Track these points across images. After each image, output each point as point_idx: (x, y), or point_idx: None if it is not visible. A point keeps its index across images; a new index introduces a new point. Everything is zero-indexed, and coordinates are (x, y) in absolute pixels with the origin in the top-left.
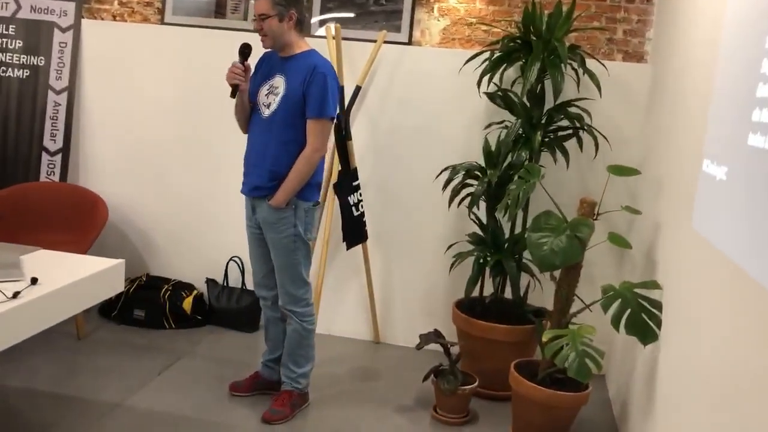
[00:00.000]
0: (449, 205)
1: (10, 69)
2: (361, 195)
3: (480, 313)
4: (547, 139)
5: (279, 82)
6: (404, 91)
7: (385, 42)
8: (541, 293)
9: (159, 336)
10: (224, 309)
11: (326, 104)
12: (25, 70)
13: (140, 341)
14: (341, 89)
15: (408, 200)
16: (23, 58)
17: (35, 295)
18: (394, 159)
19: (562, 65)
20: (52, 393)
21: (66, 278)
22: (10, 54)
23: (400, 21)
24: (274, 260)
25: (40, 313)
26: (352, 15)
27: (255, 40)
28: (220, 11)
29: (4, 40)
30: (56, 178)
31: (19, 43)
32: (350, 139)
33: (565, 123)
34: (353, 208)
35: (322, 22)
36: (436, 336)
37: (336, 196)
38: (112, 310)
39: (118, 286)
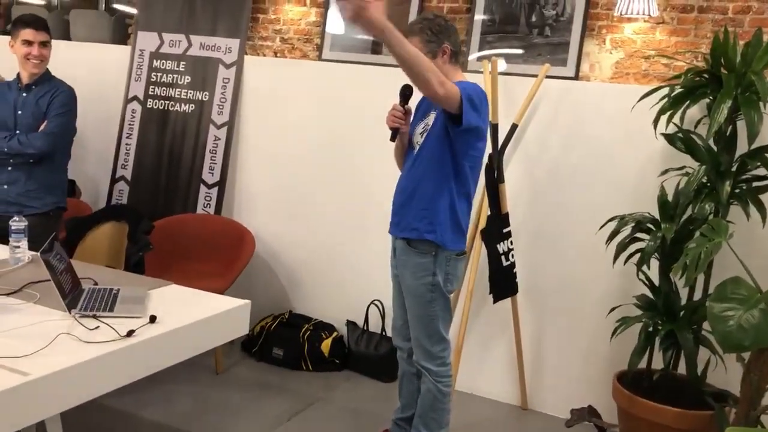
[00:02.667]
0: (614, 261)
1: (177, 104)
2: (512, 243)
3: (646, 391)
4: (737, 190)
5: (431, 118)
6: (567, 130)
7: (548, 77)
8: (725, 373)
9: (295, 377)
10: (363, 354)
11: (465, 88)
12: (190, 105)
13: (276, 381)
14: (494, 126)
15: (566, 252)
16: (190, 93)
17: (151, 334)
18: (553, 204)
19: (761, 103)
20: (180, 430)
21: (186, 318)
22: (179, 89)
23: (567, 54)
24: (408, 310)
25: (154, 353)
26: (514, 51)
27: None
28: (376, 48)
29: (175, 75)
30: (212, 210)
31: (188, 78)
32: (502, 182)
33: (761, 172)
34: (503, 257)
35: (481, 59)
36: (590, 414)
37: (483, 244)
38: (253, 346)
39: (242, 329)
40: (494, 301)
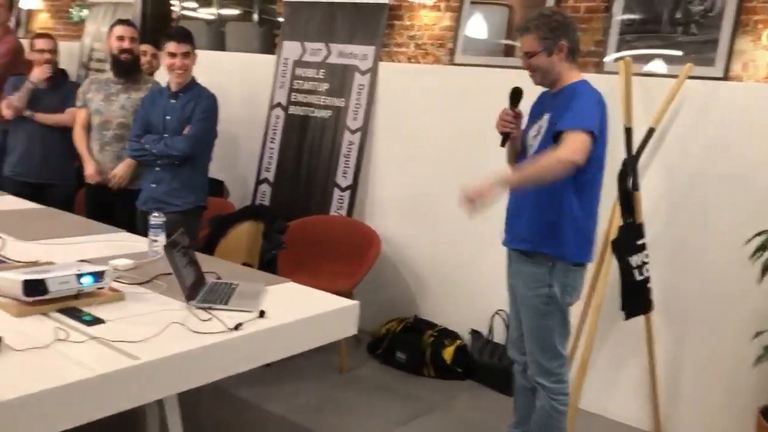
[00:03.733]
0: (760, 280)
1: (316, 110)
2: (647, 256)
3: None
4: None
5: (544, 120)
6: (713, 135)
7: (690, 77)
8: None
9: (416, 383)
10: (486, 365)
11: (582, 115)
12: (328, 111)
13: (397, 385)
14: (628, 130)
15: (708, 267)
16: (327, 99)
17: (257, 328)
18: (694, 215)
19: None
20: (298, 425)
21: (294, 315)
22: (318, 96)
23: (714, 53)
24: (523, 322)
25: (258, 347)
26: (655, 51)
27: None
28: (509, 50)
29: (315, 83)
30: (344, 212)
31: (326, 86)
32: (637, 190)
33: None
34: (635, 271)
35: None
36: None
37: (615, 256)
38: (378, 348)
39: (350, 329)
40: (626, 318)
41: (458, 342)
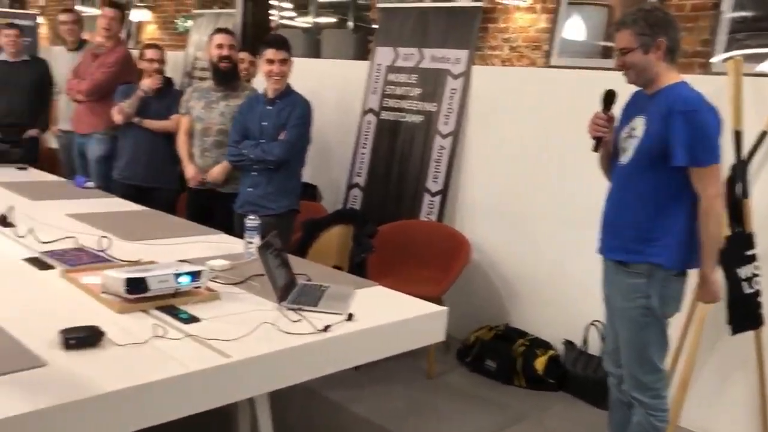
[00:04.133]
0: None
1: (408, 115)
2: (757, 268)
3: None
4: None
5: (638, 123)
6: None
7: None
8: None
9: (506, 392)
10: (581, 377)
11: (701, 147)
12: (419, 116)
13: (486, 393)
14: (738, 134)
15: None
16: (419, 104)
17: (345, 330)
18: None
19: None
20: (385, 428)
21: (382, 319)
22: (410, 101)
23: None
24: (620, 334)
25: (347, 350)
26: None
27: None
28: (607, 51)
29: (407, 88)
30: (434, 217)
31: (418, 90)
32: (747, 197)
33: None
34: (744, 283)
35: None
36: None
37: (721, 267)
38: (467, 355)
39: (438, 335)
40: (732, 333)
41: (551, 352)
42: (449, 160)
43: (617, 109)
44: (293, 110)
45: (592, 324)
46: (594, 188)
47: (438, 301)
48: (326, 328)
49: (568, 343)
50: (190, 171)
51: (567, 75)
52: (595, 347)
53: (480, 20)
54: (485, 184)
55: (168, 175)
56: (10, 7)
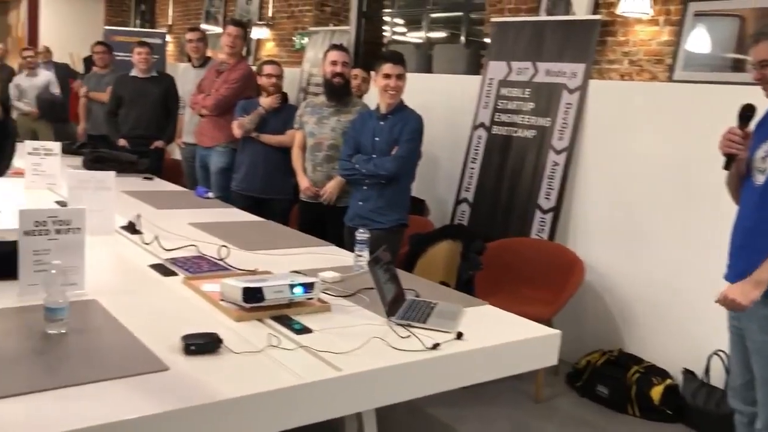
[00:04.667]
0: None
1: (520, 129)
2: None
3: None
4: None
5: None
6: None
7: None
8: None
9: (619, 420)
10: (701, 410)
11: None
12: (532, 131)
13: (597, 421)
14: None
15: None
16: (532, 119)
17: (454, 350)
18: None
19: None
20: None
21: (492, 339)
22: (522, 115)
23: None
24: (756, 370)
25: (456, 369)
26: None
27: None
28: (738, 64)
29: (520, 102)
30: (545, 235)
31: (531, 105)
32: None
33: None
34: None
35: None
36: None
37: None
38: (577, 380)
39: (550, 359)
40: None
41: (668, 381)
42: (563, 177)
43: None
44: (405, 125)
45: (716, 354)
46: (718, 208)
47: (548, 322)
48: (435, 346)
49: (688, 373)
50: (303, 183)
51: (692, 90)
52: (718, 379)
53: (598, 33)
54: (600, 202)
55: (283, 187)
56: (141, 26)
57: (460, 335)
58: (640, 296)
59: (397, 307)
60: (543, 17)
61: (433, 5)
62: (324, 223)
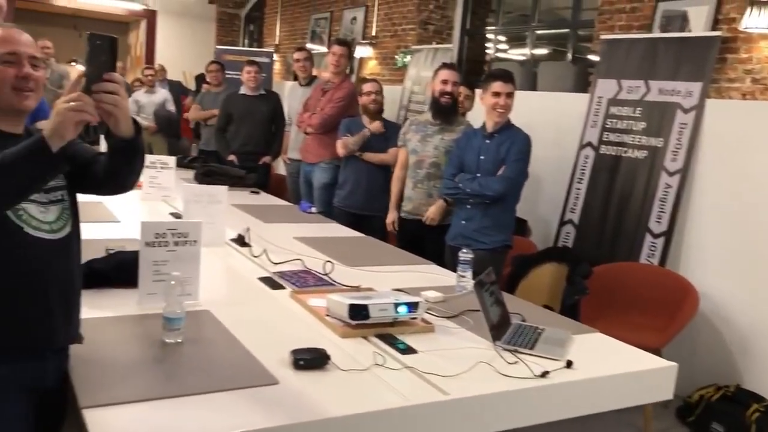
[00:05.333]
0: None
1: (630, 150)
2: None
3: None
4: None
5: None
6: None
7: None
8: None
9: None
10: None
11: None
12: (643, 151)
13: None
14: None
15: None
16: (644, 139)
17: (565, 378)
18: None
19: None
20: None
21: (604, 369)
22: (633, 135)
23: None
24: None
25: (566, 399)
26: None
27: None
28: None
29: (630, 122)
30: (656, 261)
31: (643, 124)
32: None
33: None
34: None
35: None
36: None
37: None
38: (689, 414)
39: (665, 393)
40: None
41: None
42: (676, 200)
43: None
44: (513, 144)
45: None
46: None
47: (657, 352)
48: (545, 374)
49: None
50: (390, 216)
51: None
52: None
53: (717, 50)
54: (717, 227)
55: (384, 204)
56: (249, 46)
57: (569, 363)
58: (760, 328)
59: (503, 331)
60: (657, 34)
61: (538, 22)
62: (422, 240)
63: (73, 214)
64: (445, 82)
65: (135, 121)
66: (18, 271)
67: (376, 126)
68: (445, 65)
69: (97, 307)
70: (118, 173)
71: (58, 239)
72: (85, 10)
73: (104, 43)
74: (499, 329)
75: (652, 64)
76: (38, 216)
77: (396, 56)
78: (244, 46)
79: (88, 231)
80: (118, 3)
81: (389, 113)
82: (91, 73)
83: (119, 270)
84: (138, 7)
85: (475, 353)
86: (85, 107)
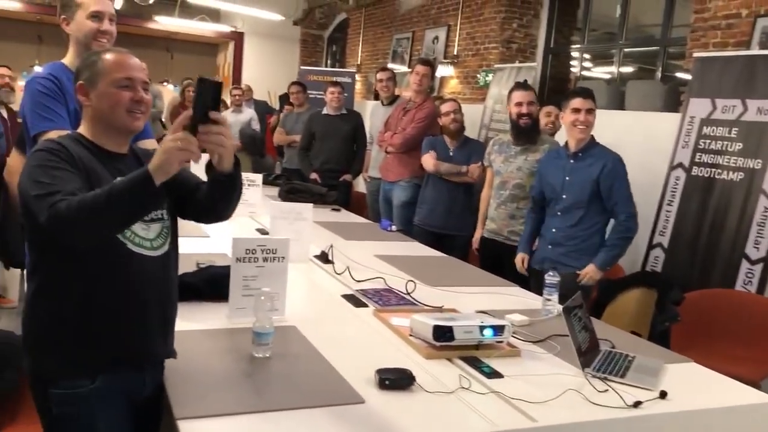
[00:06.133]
0: None
1: (725, 171)
2: None
3: None
4: None
5: None
6: None
7: None
8: None
9: None
10: None
11: None
12: (739, 173)
13: None
14: None
15: None
16: (740, 160)
17: (659, 410)
18: None
19: None
20: None
21: (701, 402)
22: (728, 156)
23: None
24: None
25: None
26: None
27: None
28: None
29: (725, 142)
30: (753, 288)
31: (739, 145)
32: None
33: None
34: None
35: None
36: None
37: None
38: None
39: (766, 429)
40: None
41: None
42: None
43: None
44: (612, 172)
45: None
46: None
47: (756, 385)
48: (637, 404)
49: None
50: (477, 234)
51: None
52: None
53: None
54: None
55: (464, 223)
56: (331, 66)
57: (663, 394)
58: None
59: (592, 358)
60: (756, 51)
61: (626, 40)
62: (504, 261)
63: (172, 233)
64: (519, 104)
65: (235, 157)
66: (120, 286)
67: (473, 171)
68: (518, 85)
69: (189, 320)
70: (216, 204)
71: (158, 256)
72: (177, 33)
73: (211, 86)
74: (587, 356)
75: (750, 83)
76: (140, 233)
77: (478, 75)
78: (326, 66)
79: (179, 245)
80: (209, 26)
81: (471, 132)
82: (198, 113)
83: (210, 284)
84: (227, 29)
85: (564, 380)
86: (190, 146)
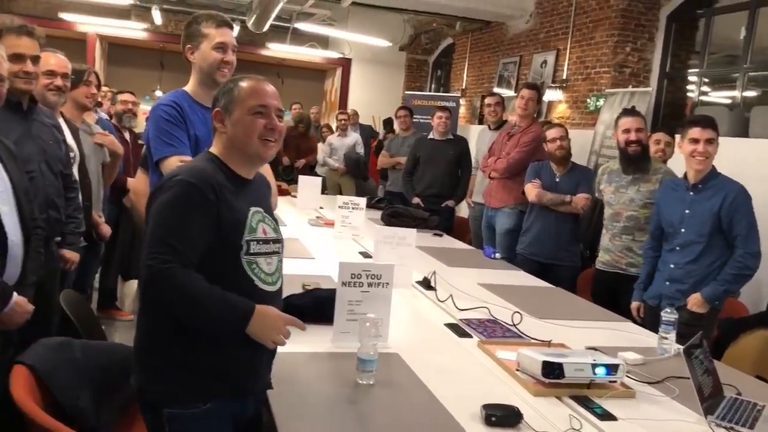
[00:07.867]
0: None
1: None
2: None
3: None
4: None
5: None
6: None
7: None
8: None
9: None
10: None
11: None
12: None
13: None
14: None
15: None
16: None
17: None
18: None
19: None
20: None
21: None
22: None
23: None
24: None
25: None
26: None
27: None
28: None
29: None
30: None
31: None
32: None
33: None
34: None
35: None
36: None
37: None
38: None
39: None
40: None
41: None
42: None
43: None
44: (735, 203)
45: None
46: None
47: None
48: None
49: None
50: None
51: None
52: None
53: None
54: None
55: (571, 253)
56: (436, 90)
57: None
58: None
59: (715, 404)
60: None
61: (750, 63)
62: (618, 294)
63: (281, 267)
64: (627, 131)
65: None
66: None
67: (579, 201)
68: (625, 112)
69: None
70: None
71: (275, 291)
72: (288, 59)
73: None
74: (710, 402)
75: None
76: (265, 269)
77: (588, 99)
78: (431, 90)
79: (286, 266)
80: (318, 52)
81: (580, 158)
82: None
83: (315, 307)
84: (335, 55)
85: (684, 427)
86: (284, 342)
